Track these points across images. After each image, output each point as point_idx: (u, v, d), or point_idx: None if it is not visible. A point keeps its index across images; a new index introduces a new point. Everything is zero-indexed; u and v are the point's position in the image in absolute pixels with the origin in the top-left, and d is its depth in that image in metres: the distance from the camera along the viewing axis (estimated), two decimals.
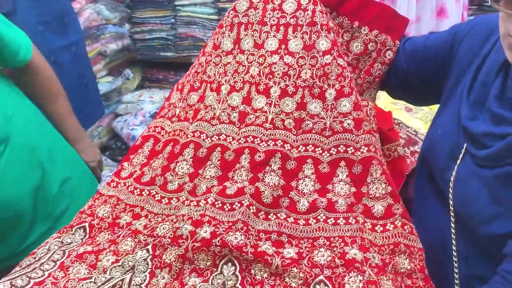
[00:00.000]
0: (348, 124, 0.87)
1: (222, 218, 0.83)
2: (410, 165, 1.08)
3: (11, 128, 1.07)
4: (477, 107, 0.76)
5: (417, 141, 1.17)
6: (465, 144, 0.78)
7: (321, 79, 0.90)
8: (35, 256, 0.84)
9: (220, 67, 0.98)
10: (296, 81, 0.91)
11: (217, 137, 0.93)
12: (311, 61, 0.91)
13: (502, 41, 0.69)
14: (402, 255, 0.78)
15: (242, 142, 0.91)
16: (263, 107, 0.92)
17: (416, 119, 1.30)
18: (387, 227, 0.81)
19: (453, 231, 0.80)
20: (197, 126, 0.95)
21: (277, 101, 0.91)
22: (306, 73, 0.91)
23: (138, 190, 0.94)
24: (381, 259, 0.76)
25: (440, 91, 0.88)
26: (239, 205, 0.84)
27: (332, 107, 0.89)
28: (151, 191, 0.93)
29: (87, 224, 0.89)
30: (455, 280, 0.80)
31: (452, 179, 0.79)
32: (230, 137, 0.92)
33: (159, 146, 0.99)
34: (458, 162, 0.79)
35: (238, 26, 0.98)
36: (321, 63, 0.90)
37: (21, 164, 1.09)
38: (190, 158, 0.93)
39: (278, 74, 0.92)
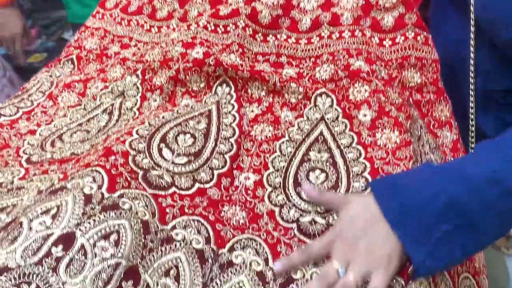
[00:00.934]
0: None
1: (215, 40, 0.75)
2: None
3: None
4: None
5: None
6: None
7: None
8: (25, 90, 0.80)
9: None
10: None
11: None
12: None
13: None
14: (412, 68, 0.71)
15: None
16: None
17: None
18: (397, 40, 0.72)
19: (472, 42, 0.71)
20: None
21: None
22: None
23: (125, 20, 0.86)
24: (387, 74, 0.69)
25: None
26: (233, 27, 0.76)
27: None
28: (139, 20, 0.85)
29: (74, 56, 0.83)
30: (471, 97, 0.74)
31: None
32: None
33: None
34: None
35: None
36: None
37: None
38: None
39: None
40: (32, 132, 0.71)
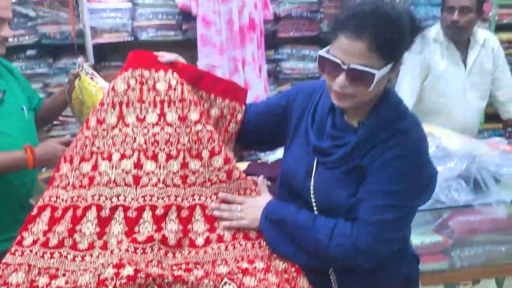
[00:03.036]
0: (222, 176, 1.16)
1: (138, 260, 1.00)
2: None
3: None
4: (320, 133, 1.14)
5: None
6: (315, 158, 1.13)
7: (196, 143, 1.16)
8: None
9: (108, 139, 1.15)
10: (177, 146, 1.16)
11: (116, 199, 1.09)
12: (186, 129, 1.17)
13: (329, 92, 1.08)
14: (277, 260, 1.09)
15: (141, 201, 1.09)
16: (154, 170, 1.13)
17: None
18: (262, 244, 1.11)
19: None
20: (95, 190, 1.10)
21: (165, 164, 1.13)
22: (184, 139, 1.16)
23: (48, 253, 1.03)
24: (265, 263, 1.06)
25: (283, 136, 1.23)
26: (150, 249, 1.03)
27: (208, 164, 1.16)
28: (62, 252, 1.03)
29: None
30: None
31: (311, 187, 1.12)
32: (129, 198, 1.09)
33: (58, 214, 1.09)
34: (313, 174, 1.12)
35: (120, 105, 1.17)
36: (195, 131, 1.17)
37: None
38: (94, 218, 1.07)
39: (162, 141, 1.15)
40: None
